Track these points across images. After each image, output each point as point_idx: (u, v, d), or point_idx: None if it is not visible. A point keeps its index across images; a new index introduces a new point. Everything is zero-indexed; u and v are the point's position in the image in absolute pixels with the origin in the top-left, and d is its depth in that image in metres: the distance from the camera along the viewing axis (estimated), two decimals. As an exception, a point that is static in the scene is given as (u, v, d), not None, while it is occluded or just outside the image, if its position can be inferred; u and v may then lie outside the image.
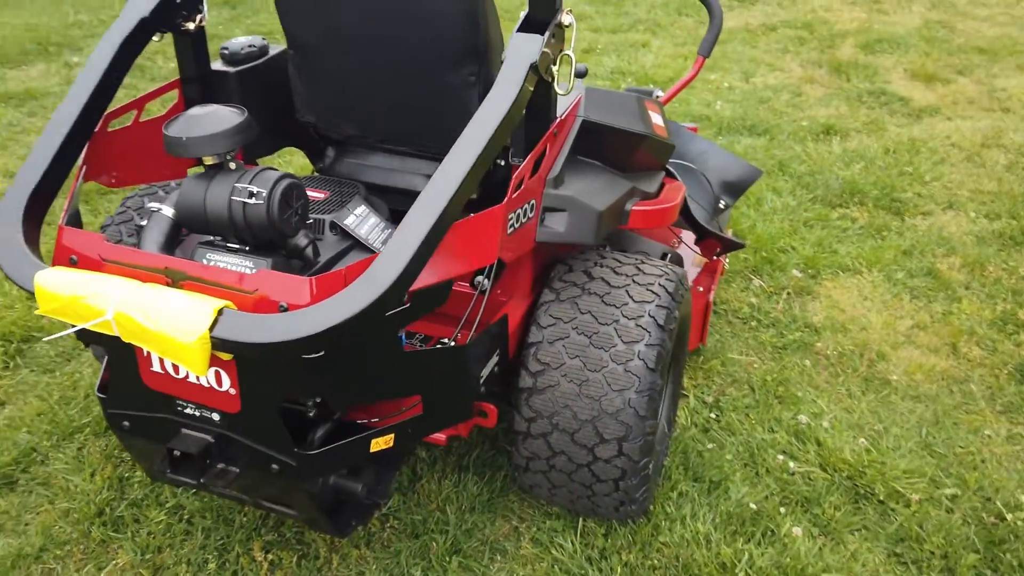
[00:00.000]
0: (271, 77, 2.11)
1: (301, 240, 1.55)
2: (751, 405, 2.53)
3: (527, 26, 1.64)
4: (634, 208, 2.03)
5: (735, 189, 2.94)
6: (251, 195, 1.45)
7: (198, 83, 2.01)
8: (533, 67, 1.58)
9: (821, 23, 6.59)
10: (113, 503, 2.05)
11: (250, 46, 2.10)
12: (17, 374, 2.55)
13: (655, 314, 1.84)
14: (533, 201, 1.72)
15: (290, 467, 1.50)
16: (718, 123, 4.73)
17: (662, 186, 2.25)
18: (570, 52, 1.70)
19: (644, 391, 1.78)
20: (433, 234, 1.36)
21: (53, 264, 1.46)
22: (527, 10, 1.66)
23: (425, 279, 1.44)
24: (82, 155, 1.68)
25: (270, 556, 1.91)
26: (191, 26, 1.90)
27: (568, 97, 1.98)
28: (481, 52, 1.85)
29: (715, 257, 2.78)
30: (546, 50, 1.61)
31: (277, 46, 2.16)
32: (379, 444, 1.58)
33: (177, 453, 1.52)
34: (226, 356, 1.37)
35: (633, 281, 1.91)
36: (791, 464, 2.26)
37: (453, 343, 1.83)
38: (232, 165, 1.52)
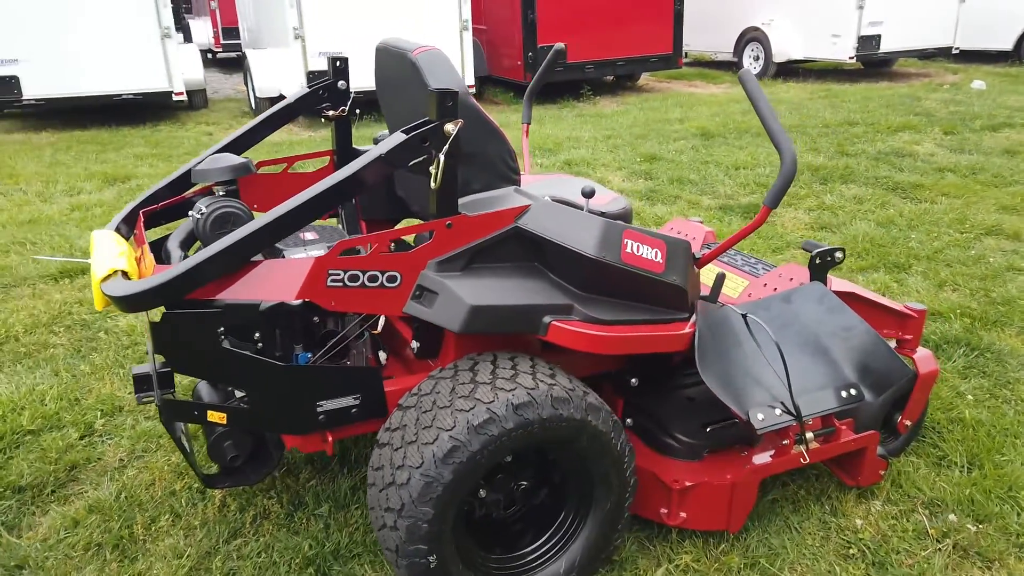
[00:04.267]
0: None
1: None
2: (721, 617, 2.06)
3: (410, 129, 1.91)
4: (556, 323, 2.00)
5: (876, 383, 2.35)
6: (200, 212, 2.10)
7: (341, 155, 2.74)
8: (382, 158, 1.86)
9: None
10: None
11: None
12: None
13: (477, 414, 1.84)
14: (395, 273, 1.94)
15: (159, 407, 2.07)
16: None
17: (651, 323, 2.10)
18: (441, 155, 1.89)
19: (425, 476, 1.81)
20: (215, 260, 1.79)
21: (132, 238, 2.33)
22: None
23: (237, 295, 1.86)
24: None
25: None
26: (331, 114, 2.64)
27: (515, 201, 2.10)
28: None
29: (785, 443, 2.31)
30: (405, 149, 1.86)
31: None
32: (214, 417, 2.02)
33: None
34: None
35: (494, 383, 1.92)
36: None
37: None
38: (219, 192, 2.19)
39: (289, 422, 2.04)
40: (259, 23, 11.11)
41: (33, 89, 8.76)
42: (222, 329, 2.03)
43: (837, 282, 2.73)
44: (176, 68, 9.30)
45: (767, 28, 12.75)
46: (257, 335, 2.05)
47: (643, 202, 5.80)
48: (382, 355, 2.40)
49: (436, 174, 1.91)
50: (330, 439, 2.09)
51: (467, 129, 2.16)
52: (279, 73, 9.53)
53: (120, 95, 9.14)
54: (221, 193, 2.20)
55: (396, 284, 1.96)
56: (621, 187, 6.23)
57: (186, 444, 2.19)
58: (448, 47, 9.46)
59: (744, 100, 10.41)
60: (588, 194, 2.31)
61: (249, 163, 2.22)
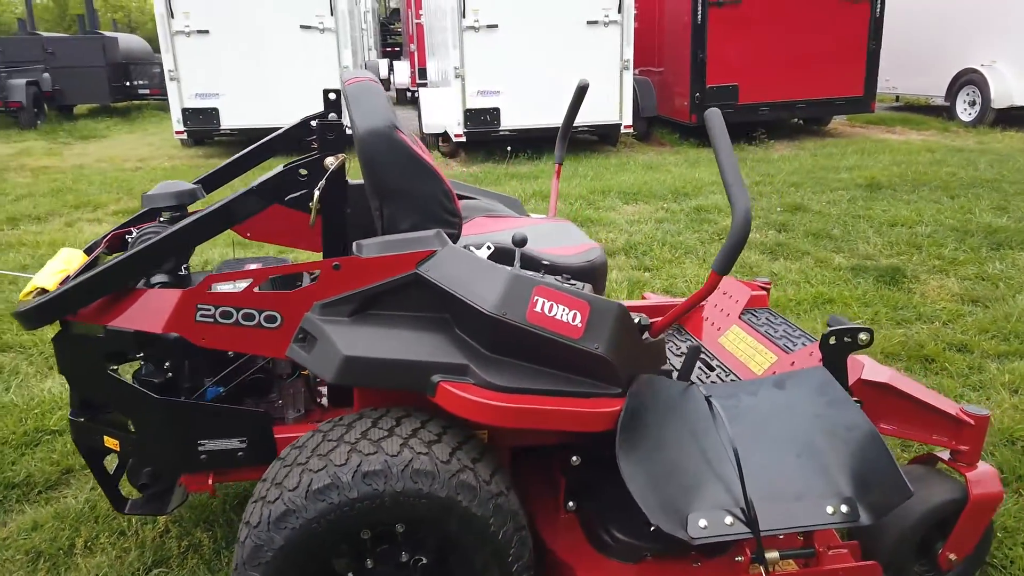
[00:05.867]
0: None
1: (158, 277, 2.10)
2: None
3: (290, 162, 1.80)
4: (444, 383, 1.77)
5: (874, 502, 1.84)
6: (133, 237, 2.11)
7: None
8: (253, 191, 1.76)
9: None
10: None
11: None
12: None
13: (320, 477, 1.65)
14: (275, 313, 1.81)
15: (70, 426, 2.09)
16: None
17: (564, 395, 1.80)
18: (317, 190, 1.75)
19: (256, 538, 1.64)
20: (82, 287, 1.78)
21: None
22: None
23: (117, 322, 1.84)
24: None
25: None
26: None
27: (424, 245, 1.91)
28: (382, 193, 2.00)
29: (740, 560, 1.86)
30: (279, 182, 1.75)
31: None
32: (109, 443, 2.00)
33: None
34: None
35: (356, 444, 1.72)
36: None
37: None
38: (161, 219, 2.19)
39: (170, 458, 1.98)
40: (436, 64, 11.67)
41: (229, 120, 9.77)
42: (142, 355, 2.03)
43: (872, 367, 2.22)
44: (353, 103, 9.94)
45: (986, 70, 11.29)
46: (167, 364, 2.02)
47: (763, 256, 5.25)
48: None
49: (313, 210, 1.78)
50: (210, 480, 2.00)
51: (393, 167, 2.01)
52: (441, 110, 9.89)
53: (301, 127, 9.93)
54: (162, 219, 2.21)
55: (276, 325, 1.83)
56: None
57: (105, 465, 2.20)
58: (608, 86, 9.32)
59: (938, 149, 9.24)
60: (519, 242, 2.06)
61: (197, 189, 2.22)
